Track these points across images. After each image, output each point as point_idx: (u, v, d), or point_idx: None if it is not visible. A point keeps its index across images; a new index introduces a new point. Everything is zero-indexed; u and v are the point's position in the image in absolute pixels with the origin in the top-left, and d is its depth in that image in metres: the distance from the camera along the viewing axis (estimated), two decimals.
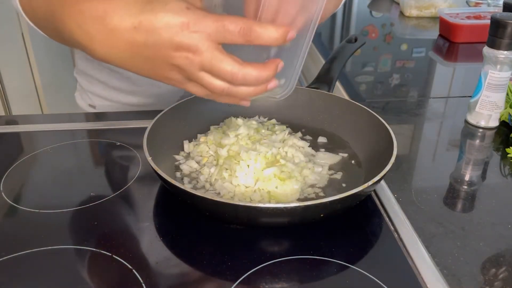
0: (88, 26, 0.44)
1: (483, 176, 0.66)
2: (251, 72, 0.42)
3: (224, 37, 0.41)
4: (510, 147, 0.70)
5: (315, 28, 0.47)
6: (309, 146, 0.67)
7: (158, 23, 0.41)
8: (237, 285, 0.46)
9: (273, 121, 0.73)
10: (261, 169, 0.58)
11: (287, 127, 0.71)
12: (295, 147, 0.65)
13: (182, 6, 0.41)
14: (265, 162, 0.59)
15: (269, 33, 0.41)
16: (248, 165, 0.58)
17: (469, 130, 0.78)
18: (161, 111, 0.65)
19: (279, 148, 0.63)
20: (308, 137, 0.70)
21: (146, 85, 0.75)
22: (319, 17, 0.45)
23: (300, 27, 0.46)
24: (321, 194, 0.58)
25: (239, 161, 0.59)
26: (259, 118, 0.74)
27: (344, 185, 0.60)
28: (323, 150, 0.67)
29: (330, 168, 0.63)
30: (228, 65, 0.42)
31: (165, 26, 0.41)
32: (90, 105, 0.87)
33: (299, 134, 0.70)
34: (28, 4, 0.57)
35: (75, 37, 0.46)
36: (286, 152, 0.63)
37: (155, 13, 0.41)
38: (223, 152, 0.62)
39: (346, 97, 0.89)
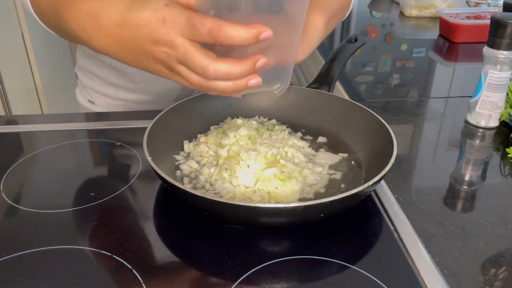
0: (84, 23, 0.49)
1: (483, 176, 0.66)
2: (221, 66, 0.43)
3: (195, 36, 0.43)
4: (510, 147, 0.70)
5: (302, 25, 0.47)
6: (309, 147, 0.67)
7: (138, 19, 0.44)
8: (237, 285, 0.46)
9: (273, 121, 0.73)
10: (261, 169, 0.58)
11: (287, 127, 0.71)
12: (295, 147, 0.65)
13: (161, 3, 0.44)
14: (265, 162, 0.59)
15: (239, 34, 0.42)
16: (248, 165, 0.58)
17: (469, 130, 0.78)
18: (161, 111, 0.65)
19: (279, 148, 0.63)
20: (308, 137, 0.70)
21: (144, 83, 0.77)
22: (305, 13, 0.46)
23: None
24: (321, 194, 0.58)
25: (239, 161, 0.59)
26: (259, 118, 0.74)
27: (344, 185, 0.60)
28: (323, 150, 0.67)
29: (330, 168, 0.63)
30: (199, 59, 0.43)
31: (144, 22, 0.44)
32: (89, 101, 0.87)
33: (299, 134, 0.70)
34: (37, 5, 0.61)
35: (75, 33, 0.50)
36: (286, 152, 0.63)
37: (137, 11, 0.44)
38: (223, 152, 0.62)
39: (346, 97, 0.89)
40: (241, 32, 0.42)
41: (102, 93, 0.85)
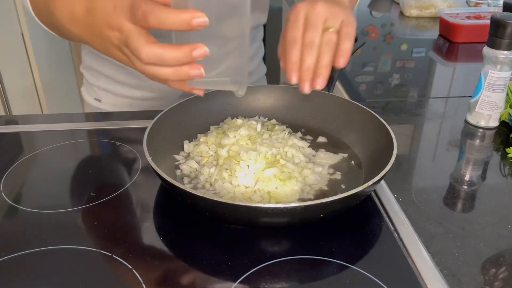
0: (64, 12, 0.53)
1: (483, 176, 0.66)
2: (153, 50, 0.44)
3: (135, 21, 0.44)
4: (510, 147, 0.70)
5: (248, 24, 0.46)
6: (309, 147, 0.66)
7: (97, 5, 0.47)
8: (237, 285, 0.46)
9: (273, 121, 0.73)
10: (261, 169, 0.58)
11: (287, 127, 0.71)
12: (295, 147, 0.65)
13: None
14: (265, 162, 0.59)
15: (170, 18, 0.42)
16: (248, 166, 0.58)
17: (469, 130, 0.78)
18: (161, 111, 0.65)
19: (279, 148, 0.63)
20: (308, 137, 0.70)
21: (150, 80, 0.77)
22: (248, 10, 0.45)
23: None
24: (321, 194, 0.58)
25: (239, 161, 0.59)
26: (259, 118, 0.74)
27: (344, 185, 0.60)
28: (323, 150, 0.67)
29: (330, 168, 0.63)
30: (136, 42, 0.44)
31: (101, 8, 0.47)
32: (95, 99, 0.88)
33: (299, 134, 0.70)
34: (35, 5, 0.63)
35: (62, 24, 0.54)
36: (286, 152, 0.63)
37: None
38: (223, 152, 0.62)
39: (346, 97, 0.89)
40: (172, 15, 0.42)
41: (108, 90, 0.86)
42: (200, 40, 0.44)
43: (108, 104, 0.88)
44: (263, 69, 1.01)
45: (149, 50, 0.44)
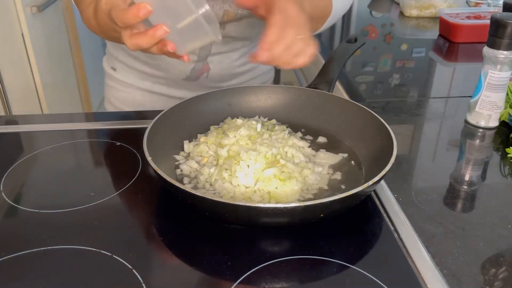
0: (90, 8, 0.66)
1: (483, 176, 0.66)
2: (132, 41, 0.54)
3: (116, 23, 0.54)
4: (510, 147, 0.70)
5: None
6: (309, 147, 0.66)
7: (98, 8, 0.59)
8: (237, 285, 0.46)
9: (273, 121, 0.73)
10: (261, 169, 0.58)
11: (287, 127, 0.71)
12: (295, 147, 0.65)
13: None
14: (265, 162, 0.59)
15: (125, 15, 0.51)
16: (248, 165, 0.58)
17: (469, 130, 0.78)
18: (161, 111, 0.65)
19: (279, 148, 0.63)
20: (308, 137, 0.70)
21: (159, 60, 0.87)
22: None
23: None
24: (321, 194, 0.58)
25: (239, 161, 0.59)
26: (259, 118, 0.74)
27: (343, 185, 0.60)
28: (323, 150, 0.67)
29: (330, 168, 0.63)
30: (123, 39, 0.54)
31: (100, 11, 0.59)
32: (112, 68, 0.96)
33: (299, 134, 0.70)
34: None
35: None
36: (286, 152, 0.63)
37: None
38: (223, 152, 0.62)
39: (346, 97, 0.89)
40: (125, 14, 0.51)
41: (123, 62, 0.93)
42: (160, 21, 0.52)
43: (121, 74, 0.95)
44: (272, 73, 1.05)
45: (130, 42, 0.54)
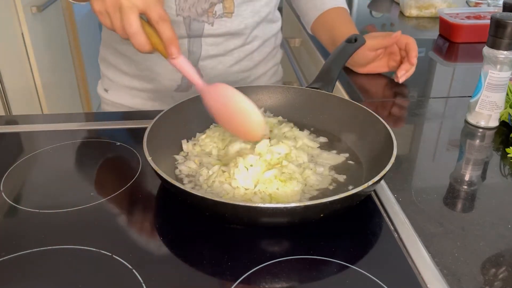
0: None
1: (483, 176, 0.66)
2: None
3: None
4: (510, 147, 0.70)
5: None
6: (318, 147, 0.66)
7: None
8: (237, 285, 0.46)
9: (280, 118, 0.73)
10: (261, 171, 0.57)
11: (294, 125, 0.71)
12: (304, 148, 0.64)
13: None
14: (265, 164, 0.59)
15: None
16: (246, 168, 0.58)
17: (469, 130, 0.78)
18: (161, 111, 0.65)
19: (291, 147, 0.62)
20: (310, 136, 0.70)
21: (147, 70, 0.87)
22: None
23: None
24: (322, 194, 0.58)
25: (238, 163, 0.58)
26: (265, 113, 0.74)
27: (344, 186, 0.60)
28: (324, 150, 0.67)
29: (331, 169, 0.63)
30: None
31: None
32: (104, 89, 0.97)
33: (307, 132, 0.70)
34: None
35: None
36: (290, 153, 0.63)
37: None
38: (223, 152, 0.61)
39: (346, 97, 0.89)
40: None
41: (113, 80, 0.93)
42: None
43: (112, 95, 0.95)
44: (280, 74, 1.05)
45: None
